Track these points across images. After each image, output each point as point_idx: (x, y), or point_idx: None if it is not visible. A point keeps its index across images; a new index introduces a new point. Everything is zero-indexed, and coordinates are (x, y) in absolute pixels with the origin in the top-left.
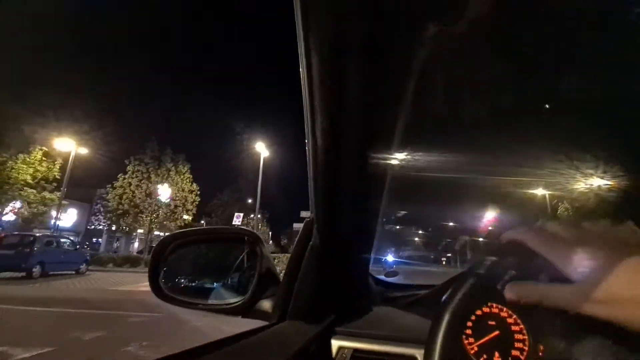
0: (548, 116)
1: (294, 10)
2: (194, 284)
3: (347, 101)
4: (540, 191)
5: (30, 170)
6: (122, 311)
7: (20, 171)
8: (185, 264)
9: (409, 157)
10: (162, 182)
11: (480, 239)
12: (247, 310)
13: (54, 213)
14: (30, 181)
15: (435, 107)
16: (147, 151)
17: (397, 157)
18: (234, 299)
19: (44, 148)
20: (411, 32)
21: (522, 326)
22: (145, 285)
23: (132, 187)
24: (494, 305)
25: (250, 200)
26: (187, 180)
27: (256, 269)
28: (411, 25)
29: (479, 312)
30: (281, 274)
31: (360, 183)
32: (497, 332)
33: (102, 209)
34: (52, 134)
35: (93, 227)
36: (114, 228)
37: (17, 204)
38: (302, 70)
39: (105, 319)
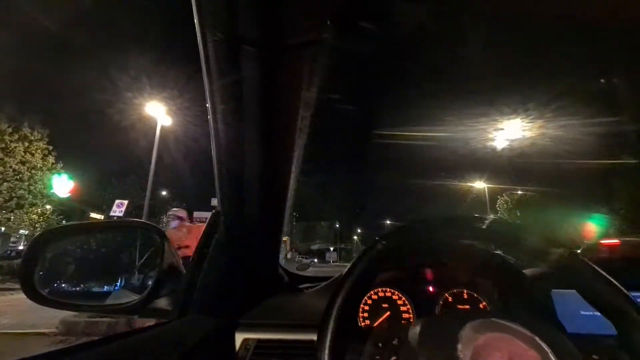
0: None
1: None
2: (81, 284)
3: (249, 96)
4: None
5: None
6: None
7: None
8: (72, 261)
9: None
10: None
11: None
12: (142, 308)
13: None
14: None
15: (339, 104)
16: None
17: (301, 152)
18: (128, 298)
19: None
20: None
21: (409, 306)
22: None
23: None
24: (387, 289)
25: (164, 193)
26: (39, 150)
27: (157, 264)
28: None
29: (374, 296)
30: None
31: (267, 177)
32: (388, 313)
33: None
34: None
35: None
36: None
37: None
38: (203, 67)
39: None
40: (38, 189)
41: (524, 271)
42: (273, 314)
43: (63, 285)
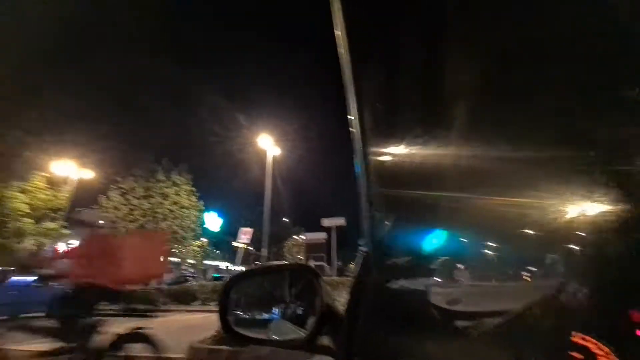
0: None
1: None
2: (255, 317)
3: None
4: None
5: (26, 199)
6: None
7: (15, 200)
8: (246, 298)
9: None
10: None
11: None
12: (310, 345)
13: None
14: (29, 211)
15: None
16: (141, 165)
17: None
18: (295, 334)
19: (45, 174)
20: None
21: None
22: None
23: (117, 206)
24: (588, 338)
25: (286, 219)
26: (185, 193)
27: (315, 304)
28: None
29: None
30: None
31: (417, 210)
32: None
33: None
34: (54, 158)
35: None
36: None
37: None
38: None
39: None
40: (188, 225)
41: None
42: None
43: (245, 314)
